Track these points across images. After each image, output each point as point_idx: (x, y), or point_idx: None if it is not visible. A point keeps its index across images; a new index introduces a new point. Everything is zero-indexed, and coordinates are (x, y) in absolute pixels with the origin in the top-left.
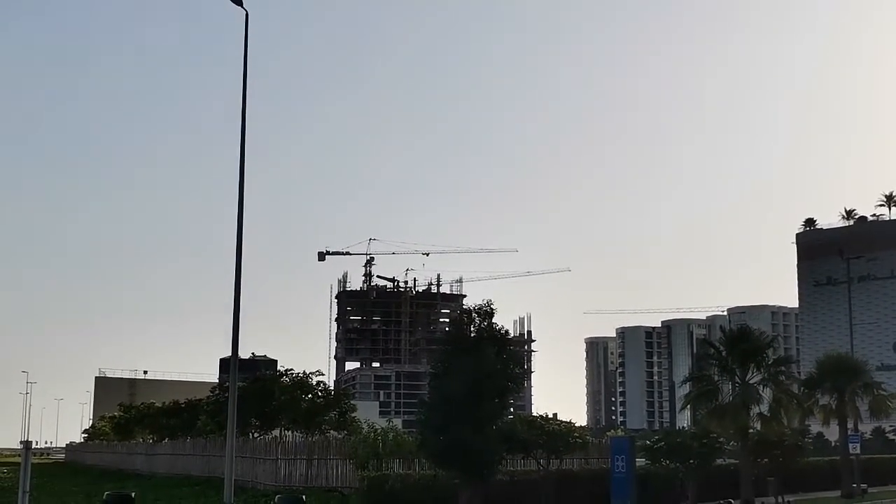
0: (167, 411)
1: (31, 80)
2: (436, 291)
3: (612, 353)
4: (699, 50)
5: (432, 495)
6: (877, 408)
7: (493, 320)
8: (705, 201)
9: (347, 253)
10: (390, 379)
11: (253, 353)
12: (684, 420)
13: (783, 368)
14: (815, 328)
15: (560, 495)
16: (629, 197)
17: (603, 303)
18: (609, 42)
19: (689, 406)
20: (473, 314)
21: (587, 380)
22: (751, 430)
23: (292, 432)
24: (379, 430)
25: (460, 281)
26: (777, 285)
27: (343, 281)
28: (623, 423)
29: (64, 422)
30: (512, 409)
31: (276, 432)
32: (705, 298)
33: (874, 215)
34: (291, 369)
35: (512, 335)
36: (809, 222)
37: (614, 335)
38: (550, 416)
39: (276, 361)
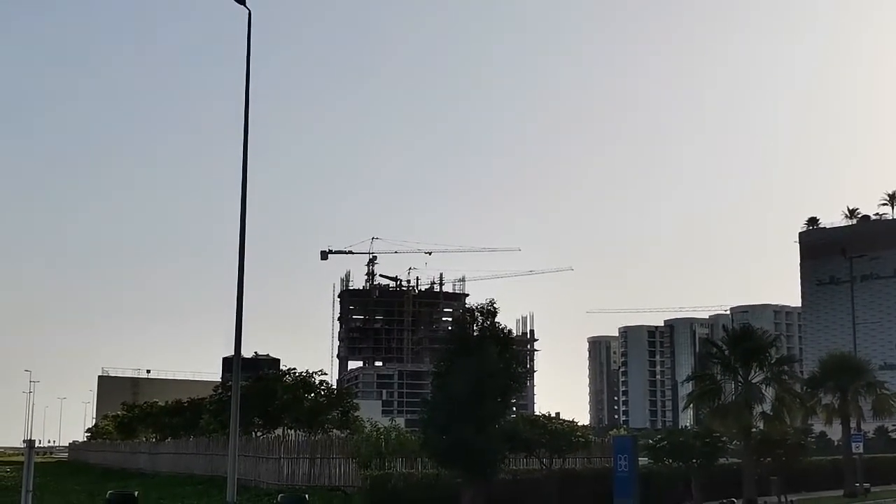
0: (170, 410)
1: (31, 80)
2: (438, 290)
3: (614, 353)
4: (699, 50)
5: (435, 494)
6: (879, 407)
7: (496, 319)
8: (707, 200)
9: (350, 252)
10: (393, 378)
11: (256, 353)
12: (687, 419)
13: (786, 368)
14: (818, 327)
15: (563, 494)
16: (631, 196)
17: (605, 302)
18: (609, 42)
19: (691, 405)
20: (476, 313)
21: (590, 379)
22: (753, 430)
23: (295, 431)
24: (382, 429)
25: (463, 280)
26: (780, 284)
27: (346, 280)
28: (626, 422)
29: (67, 421)
30: (514, 409)
31: (278, 431)
32: (708, 298)
33: (877, 214)
34: (294, 368)
35: (514, 334)
36: (812, 221)
37: (617, 334)
38: (553, 415)
39: (278, 360)
